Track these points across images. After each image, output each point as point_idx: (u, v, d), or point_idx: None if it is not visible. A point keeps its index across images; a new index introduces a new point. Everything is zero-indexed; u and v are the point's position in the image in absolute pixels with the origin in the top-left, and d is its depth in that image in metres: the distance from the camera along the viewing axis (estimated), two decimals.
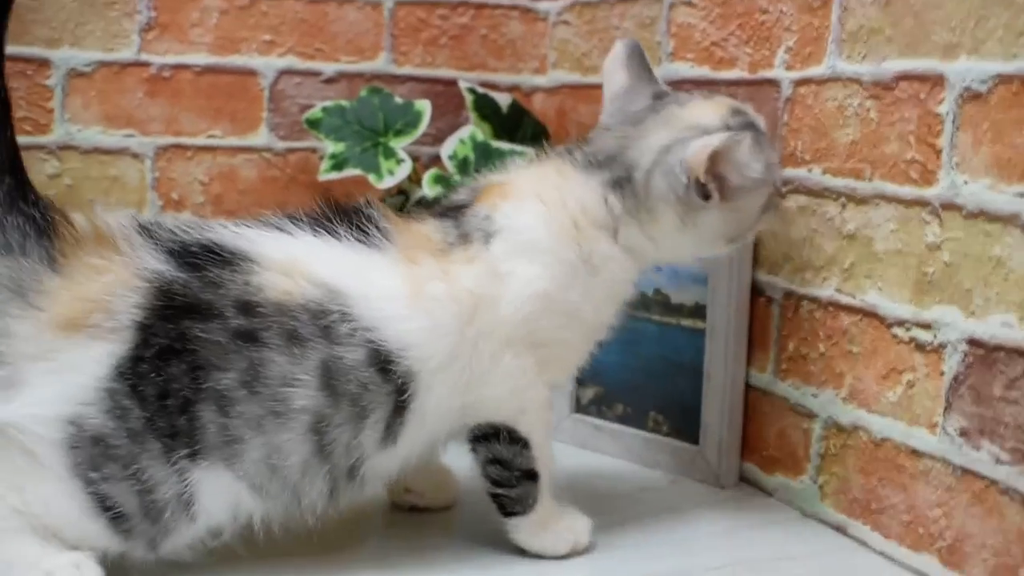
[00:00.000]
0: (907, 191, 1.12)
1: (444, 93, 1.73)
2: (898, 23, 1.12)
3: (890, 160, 1.14)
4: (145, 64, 1.58)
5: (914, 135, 1.11)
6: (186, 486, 0.96)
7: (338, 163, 1.55)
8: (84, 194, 1.57)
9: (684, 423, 1.38)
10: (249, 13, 1.63)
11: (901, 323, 1.13)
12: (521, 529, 1.14)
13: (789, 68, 1.27)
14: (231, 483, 0.98)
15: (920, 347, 1.11)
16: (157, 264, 0.97)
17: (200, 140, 1.62)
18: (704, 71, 1.41)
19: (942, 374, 1.08)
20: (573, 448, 1.46)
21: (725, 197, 1.11)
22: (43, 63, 1.54)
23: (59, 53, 1.54)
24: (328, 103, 1.59)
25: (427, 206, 1.19)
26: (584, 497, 1.25)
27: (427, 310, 1.03)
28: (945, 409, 1.08)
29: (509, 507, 1.13)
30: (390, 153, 1.54)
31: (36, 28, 1.53)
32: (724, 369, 1.33)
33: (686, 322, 1.37)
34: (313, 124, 1.58)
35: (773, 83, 1.29)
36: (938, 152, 1.08)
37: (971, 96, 1.04)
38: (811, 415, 1.25)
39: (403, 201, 1.58)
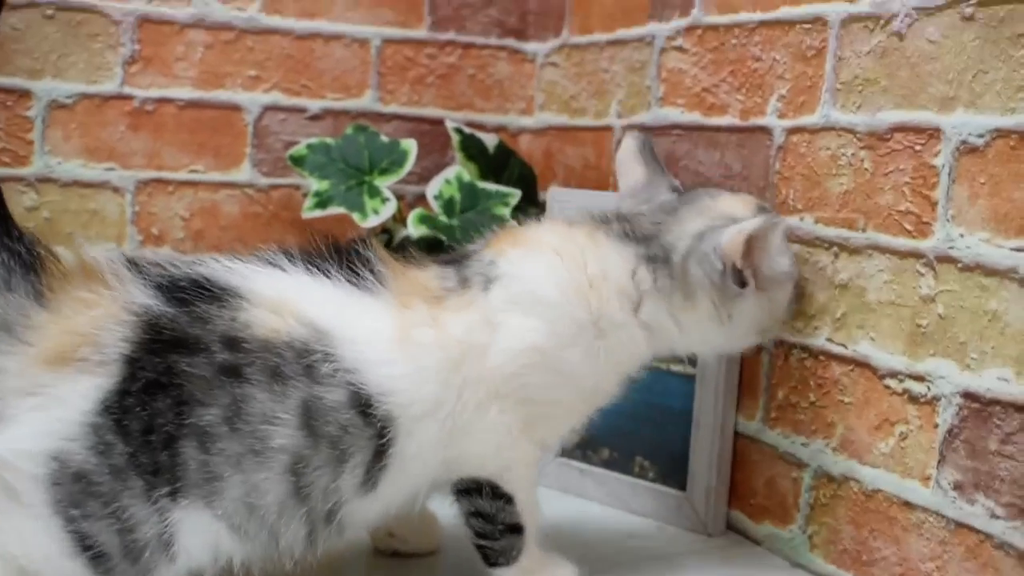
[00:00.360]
0: (901, 242, 1.12)
1: (430, 132, 1.72)
2: (894, 75, 1.13)
3: (884, 211, 1.14)
4: (128, 97, 1.57)
5: (909, 186, 1.11)
6: (166, 525, 0.93)
7: (322, 201, 1.53)
8: (62, 227, 1.54)
9: (671, 469, 1.37)
10: (235, 48, 1.62)
11: (894, 374, 1.13)
12: None
13: (782, 116, 1.27)
14: (211, 522, 0.95)
15: (914, 399, 1.10)
16: (145, 298, 0.96)
17: (182, 175, 1.60)
18: (695, 116, 1.41)
19: (936, 426, 1.08)
20: (557, 492, 1.44)
21: (759, 286, 1.11)
22: (24, 94, 1.52)
23: (41, 84, 1.52)
24: (313, 140, 1.58)
25: (419, 249, 1.17)
26: (569, 544, 1.23)
27: (411, 355, 1.02)
28: (939, 462, 1.07)
29: (493, 558, 1.12)
30: (375, 192, 1.53)
31: (18, 58, 1.51)
32: (713, 415, 1.32)
33: (675, 367, 1.36)
34: (297, 161, 1.57)
35: (765, 130, 1.29)
36: (933, 204, 1.08)
37: (968, 149, 1.05)
38: (801, 464, 1.24)
39: (387, 240, 1.56)
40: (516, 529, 1.11)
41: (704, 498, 1.33)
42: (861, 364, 1.17)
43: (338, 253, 1.06)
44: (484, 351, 1.05)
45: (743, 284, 1.10)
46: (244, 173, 1.64)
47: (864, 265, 1.16)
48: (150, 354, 0.93)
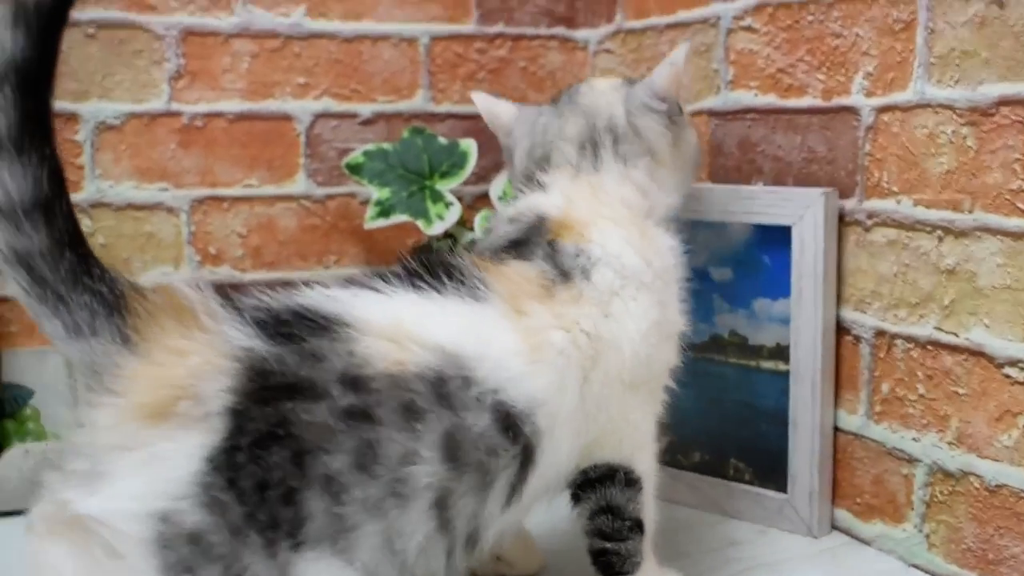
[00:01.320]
0: (1015, 223, 1.05)
1: (485, 130, 1.64)
2: (995, 45, 1.06)
3: (992, 190, 1.07)
4: (176, 114, 1.52)
5: (1021, 163, 1.04)
6: None
7: (384, 210, 1.48)
8: (119, 253, 1.50)
9: (769, 470, 1.31)
10: (282, 56, 1.56)
11: (1014, 362, 1.06)
12: None
13: (869, 95, 1.21)
14: (340, 571, 0.87)
15: None
16: (246, 339, 0.87)
17: (236, 190, 1.55)
18: (770, 99, 1.34)
19: None
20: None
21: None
22: (71, 117, 1.47)
23: (87, 106, 1.48)
24: (369, 146, 1.52)
25: (471, 248, 1.09)
26: (669, 554, 1.18)
27: (552, 363, 0.96)
28: None
29: (617, 566, 1.06)
30: (438, 196, 1.48)
31: (62, 81, 1.44)
32: (811, 413, 1.26)
33: (766, 364, 1.30)
34: (354, 169, 1.52)
35: (851, 110, 1.23)
36: None
37: None
38: (912, 460, 1.18)
39: (451, 245, 1.51)
40: (640, 527, 1.07)
41: (807, 499, 1.27)
42: (975, 353, 1.10)
43: (431, 265, 0.98)
44: (615, 342, 1.01)
45: (681, 112, 1.15)
46: (299, 184, 1.59)
47: (973, 248, 1.10)
48: (259, 404, 0.84)
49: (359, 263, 1.62)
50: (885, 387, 1.21)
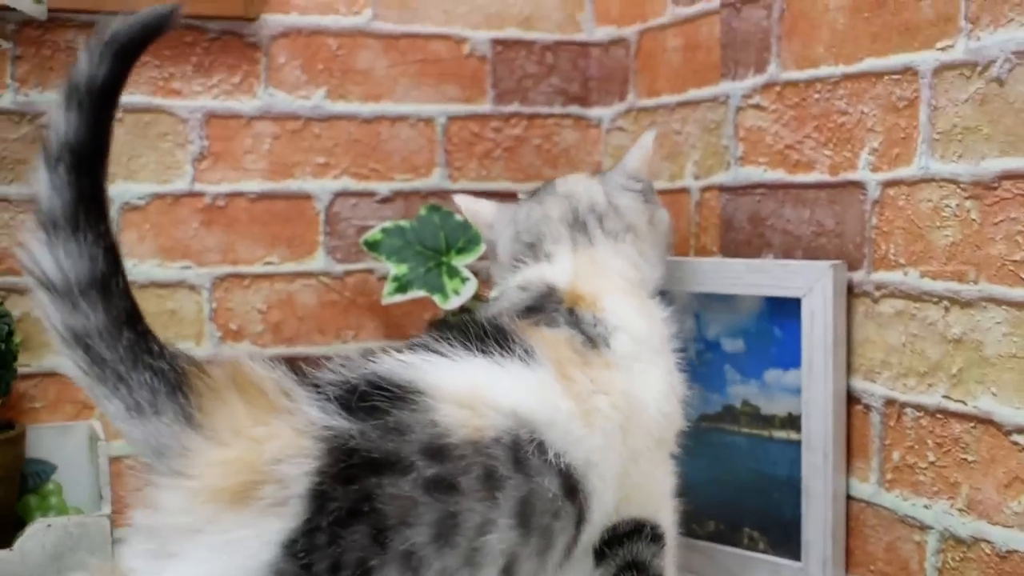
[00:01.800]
0: (1018, 293, 1.08)
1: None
2: (997, 121, 1.09)
3: (997, 261, 1.10)
4: (199, 194, 1.56)
5: (1023, 235, 1.07)
6: None
7: (402, 285, 1.51)
8: None
9: (782, 539, 1.32)
10: (302, 136, 1.61)
11: (1022, 430, 1.08)
12: None
13: (875, 169, 1.24)
14: None
15: None
16: (327, 417, 0.85)
17: (257, 268, 1.59)
18: (779, 174, 1.38)
19: None
20: None
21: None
22: None
23: (113, 187, 1.50)
24: (387, 223, 1.56)
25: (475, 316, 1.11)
26: None
27: (599, 426, 0.99)
28: None
29: None
30: (454, 272, 1.51)
31: None
32: (824, 481, 1.28)
33: (778, 434, 1.32)
34: (372, 246, 1.55)
35: (859, 185, 1.26)
36: None
37: None
38: (924, 527, 1.20)
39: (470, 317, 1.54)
40: None
41: (821, 567, 1.29)
42: (984, 421, 1.12)
43: (484, 330, 0.99)
44: (644, 402, 1.06)
45: (653, 193, 1.27)
46: (318, 261, 1.62)
47: (979, 318, 1.12)
48: (343, 483, 0.83)
49: (377, 338, 1.64)
50: (896, 455, 1.23)
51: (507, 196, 1.68)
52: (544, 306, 1.09)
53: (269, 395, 0.87)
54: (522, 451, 0.91)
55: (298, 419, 0.85)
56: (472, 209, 1.31)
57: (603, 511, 1.01)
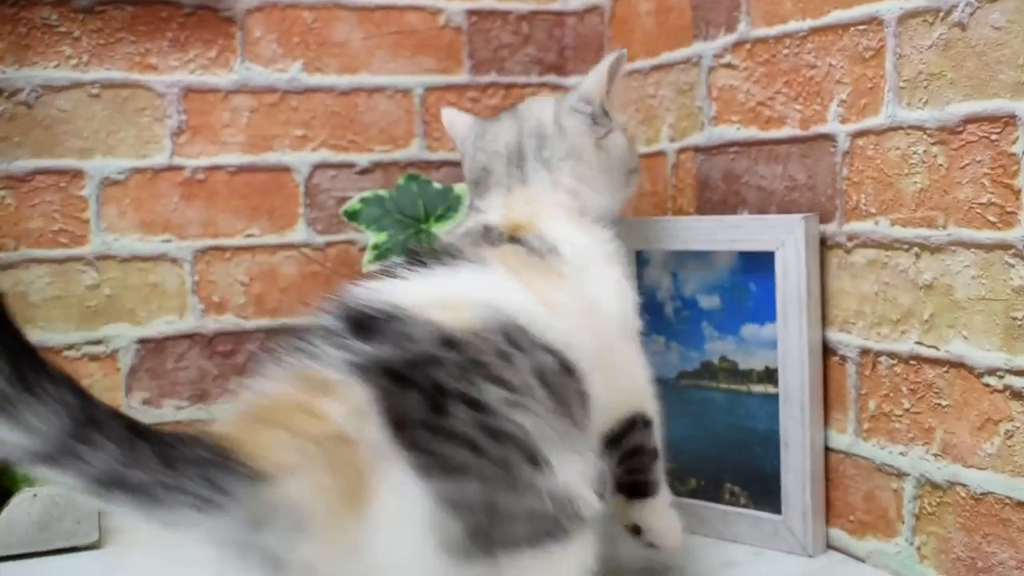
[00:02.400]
0: (986, 235, 1.09)
1: None
2: (960, 66, 1.10)
3: (964, 205, 1.11)
4: (179, 168, 1.57)
5: (989, 177, 1.08)
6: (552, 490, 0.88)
7: (381, 253, 1.52)
8: (124, 303, 1.54)
9: (763, 493, 1.33)
10: (279, 109, 1.61)
11: (993, 371, 1.09)
12: (655, 511, 1.20)
13: (844, 121, 1.25)
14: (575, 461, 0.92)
15: (1017, 395, 1.07)
16: (349, 355, 0.85)
17: (238, 240, 1.60)
18: (752, 132, 1.39)
19: None
20: None
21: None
22: (76, 174, 1.52)
23: (92, 163, 1.53)
24: (366, 193, 1.57)
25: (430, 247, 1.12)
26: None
27: (562, 314, 1.01)
28: None
29: (650, 489, 1.19)
30: (433, 239, 1.52)
31: (68, 139, 1.51)
32: (802, 434, 1.28)
33: (756, 388, 1.33)
34: (352, 216, 1.56)
35: (829, 138, 1.27)
36: (1016, 193, 1.05)
37: None
38: (901, 474, 1.21)
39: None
40: (657, 454, 1.20)
41: (801, 519, 1.29)
42: (956, 365, 1.13)
43: (435, 252, 1.04)
44: (599, 303, 1.11)
45: (609, 118, 1.26)
46: (299, 233, 1.63)
47: (949, 263, 1.13)
48: (402, 393, 0.84)
49: None
50: (872, 404, 1.24)
51: None
52: (485, 237, 1.14)
53: (289, 397, 0.84)
54: (511, 334, 0.93)
55: (334, 381, 0.84)
56: (451, 122, 1.35)
57: (600, 397, 1.03)
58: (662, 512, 1.22)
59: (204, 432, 0.80)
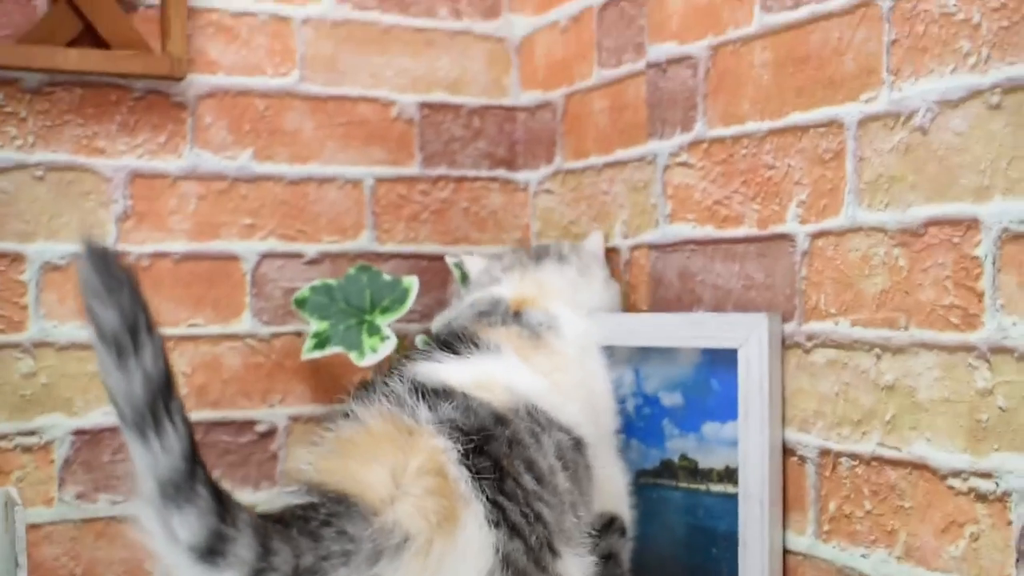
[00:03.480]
0: (949, 337, 1.09)
1: (429, 268, 1.69)
2: (921, 169, 1.12)
3: (927, 307, 1.12)
4: (123, 254, 1.52)
5: (951, 280, 1.09)
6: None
7: (320, 342, 1.50)
8: (61, 392, 1.49)
9: None
10: (228, 197, 1.59)
11: (957, 473, 1.09)
12: None
13: (804, 221, 1.26)
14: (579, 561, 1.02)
15: (981, 497, 1.07)
16: (432, 414, 0.98)
17: (181, 329, 1.56)
18: (708, 230, 1.39)
19: (1009, 523, 1.04)
20: None
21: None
22: (16, 257, 1.48)
23: (33, 247, 1.48)
24: (316, 282, 1.55)
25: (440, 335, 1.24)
26: None
27: (570, 395, 1.13)
28: (1017, 560, 1.03)
29: None
30: (375, 330, 1.50)
31: (9, 222, 1.47)
32: (761, 534, 1.27)
33: (716, 488, 1.31)
34: (300, 304, 1.53)
35: (787, 237, 1.28)
36: (979, 295, 1.06)
37: (1011, 236, 1.03)
38: None
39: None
40: None
41: None
42: (919, 466, 1.13)
43: (455, 335, 1.15)
44: (596, 391, 1.21)
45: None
46: (244, 323, 1.60)
47: (911, 364, 1.13)
48: (478, 455, 0.96)
49: (304, 402, 1.62)
50: (832, 505, 1.23)
51: (434, 258, 1.68)
52: (492, 311, 1.24)
53: (373, 434, 0.96)
54: (533, 415, 1.04)
55: (421, 427, 0.96)
56: (473, 268, 1.50)
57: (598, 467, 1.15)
58: None
59: (315, 485, 0.90)
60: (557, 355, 1.18)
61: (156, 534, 0.78)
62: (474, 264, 1.50)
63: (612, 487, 1.21)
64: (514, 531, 0.93)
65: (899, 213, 1.14)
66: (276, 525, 0.84)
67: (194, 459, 0.78)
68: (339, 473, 0.91)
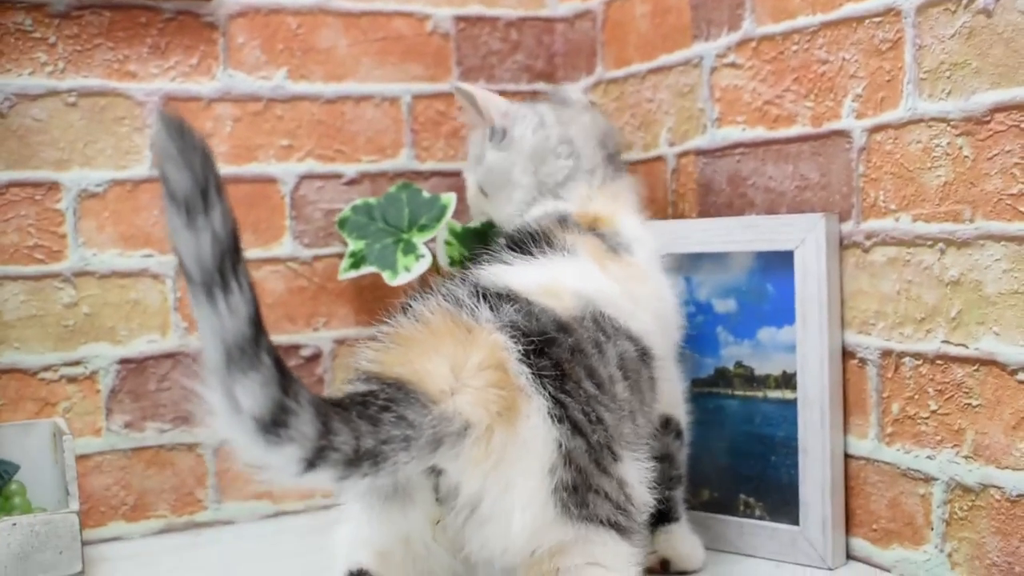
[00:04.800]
0: (1018, 227, 1.05)
1: None
2: (985, 54, 1.07)
3: (993, 197, 1.07)
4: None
5: (1019, 167, 1.05)
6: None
7: (356, 261, 1.48)
8: (104, 322, 1.47)
9: (780, 503, 1.28)
10: (264, 119, 1.56)
11: None
12: (679, 536, 1.25)
13: (860, 116, 1.21)
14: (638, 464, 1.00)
15: None
16: (495, 316, 0.95)
17: None
18: (759, 132, 1.35)
19: None
20: None
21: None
22: (52, 186, 1.45)
23: (69, 175, 1.46)
24: (358, 201, 1.52)
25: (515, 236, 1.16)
26: None
27: (641, 305, 1.10)
28: None
29: (674, 512, 1.24)
30: (411, 248, 1.46)
31: (43, 150, 1.44)
32: (821, 440, 1.24)
33: (773, 394, 1.28)
34: (342, 224, 1.51)
35: (843, 134, 1.23)
36: None
37: None
38: (928, 479, 1.16)
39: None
40: (682, 481, 1.26)
41: (820, 530, 1.25)
42: (987, 362, 1.09)
43: (531, 235, 1.11)
44: (663, 301, 1.17)
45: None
46: (285, 247, 1.57)
47: (977, 257, 1.09)
48: (539, 356, 0.94)
49: (349, 324, 1.59)
50: (895, 407, 1.20)
51: None
52: (565, 224, 1.17)
53: (442, 326, 0.94)
54: (600, 322, 1.01)
55: (481, 326, 0.94)
56: (485, 95, 1.35)
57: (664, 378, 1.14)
58: (685, 536, 1.26)
59: (374, 374, 0.89)
60: (632, 266, 1.15)
61: (219, 406, 0.76)
62: (490, 99, 1.35)
63: (669, 392, 1.19)
64: (576, 429, 0.92)
65: (962, 101, 1.10)
66: (335, 407, 0.82)
67: (259, 325, 0.77)
68: (399, 364, 0.90)
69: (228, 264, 0.75)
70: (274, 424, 0.77)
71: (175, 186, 0.73)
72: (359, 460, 0.81)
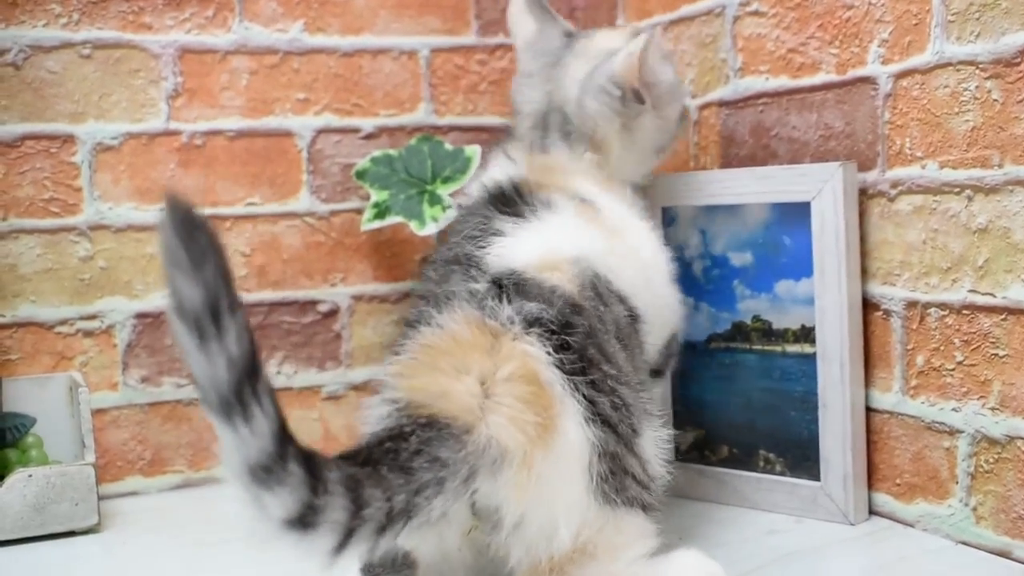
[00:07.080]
0: None
1: (489, 141, 1.63)
2: None
3: (1023, 141, 1.04)
4: (175, 133, 1.49)
5: None
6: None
7: (380, 212, 1.46)
8: (120, 276, 1.46)
9: (800, 458, 1.26)
10: (280, 72, 1.54)
11: None
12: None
13: (886, 62, 1.18)
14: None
15: None
16: (515, 314, 0.94)
17: (239, 209, 1.52)
18: (782, 81, 1.32)
19: None
20: (675, 499, 1.32)
21: (653, 103, 1.18)
22: (67, 139, 1.44)
23: (84, 127, 1.45)
24: (377, 153, 1.50)
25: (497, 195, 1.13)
26: (704, 546, 1.12)
27: (627, 262, 1.07)
28: None
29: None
30: (436, 200, 1.44)
31: (58, 103, 1.43)
32: (842, 394, 1.22)
33: (792, 348, 1.26)
34: (361, 175, 1.49)
35: (868, 80, 1.20)
36: None
37: None
38: (953, 431, 1.14)
39: None
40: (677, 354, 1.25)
41: (841, 485, 1.22)
42: (1015, 311, 1.06)
43: (523, 196, 1.08)
44: (639, 252, 1.12)
45: (641, 101, 1.17)
46: (302, 201, 1.55)
47: (1005, 203, 1.06)
48: (566, 351, 0.93)
49: (366, 280, 1.58)
50: (920, 359, 1.17)
51: (495, 130, 1.62)
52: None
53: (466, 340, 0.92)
54: (596, 287, 1.00)
55: (506, 330, 0.93)
56: (516, 17, 1.30)
57: (650, 341, 1.11)
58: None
59: (404, 408, 0.86)
60: (610, 225, 1.10)
61: (247, 507, 0.74)
62: (523, 24, 1.30)
63: (672, 316, 1.18)
64: (607, 423, 0.92)
65: (991, 43, 1.07)
66: (365, 468, 0.79)
67: (284, 437, 0.73)
68: (427, 390, 0.87)
69: (247, 387, 0.70)
70: (303, 523, 0.75)
71: (185, 302, 0.67)
72: (392, 522, 0.79)
